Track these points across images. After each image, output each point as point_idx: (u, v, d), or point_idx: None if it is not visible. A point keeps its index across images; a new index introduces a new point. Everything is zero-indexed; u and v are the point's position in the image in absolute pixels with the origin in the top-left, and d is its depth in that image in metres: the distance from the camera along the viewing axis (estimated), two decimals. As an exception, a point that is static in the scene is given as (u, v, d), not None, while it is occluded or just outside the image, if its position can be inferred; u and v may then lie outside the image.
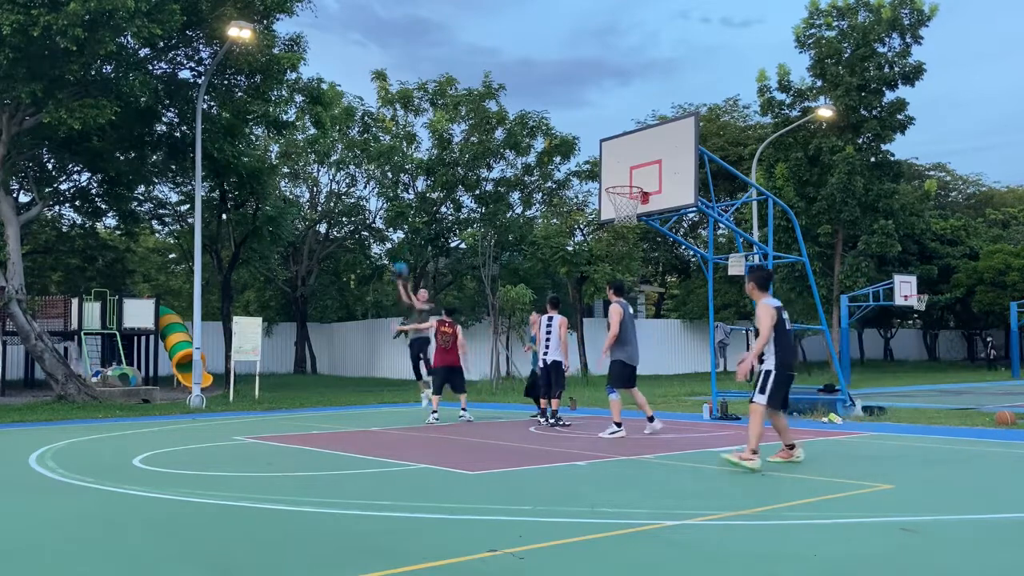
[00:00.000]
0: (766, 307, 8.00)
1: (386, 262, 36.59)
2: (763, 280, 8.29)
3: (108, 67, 18.24)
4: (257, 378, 20.74)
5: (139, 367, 25.21)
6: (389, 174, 31.92)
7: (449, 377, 13.63)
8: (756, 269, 8.52)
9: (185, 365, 23.67)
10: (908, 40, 27.89)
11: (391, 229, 34.37)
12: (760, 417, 7.87)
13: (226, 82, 20.83)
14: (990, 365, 36.77)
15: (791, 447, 8.33)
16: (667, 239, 37.58)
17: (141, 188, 27.78)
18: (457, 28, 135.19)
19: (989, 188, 51.87)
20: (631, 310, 11.33)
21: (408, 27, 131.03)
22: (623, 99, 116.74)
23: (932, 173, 47.69)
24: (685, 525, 5.57)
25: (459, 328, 13.94)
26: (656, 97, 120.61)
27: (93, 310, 24.05)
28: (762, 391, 7.90)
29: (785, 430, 8.30)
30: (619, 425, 10.83)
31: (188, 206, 30.20)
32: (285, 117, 25.43)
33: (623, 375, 10.91)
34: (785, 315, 8.07)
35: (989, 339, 39.92)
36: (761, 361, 8.01)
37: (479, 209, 31.84)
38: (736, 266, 14.28)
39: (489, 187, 31.96)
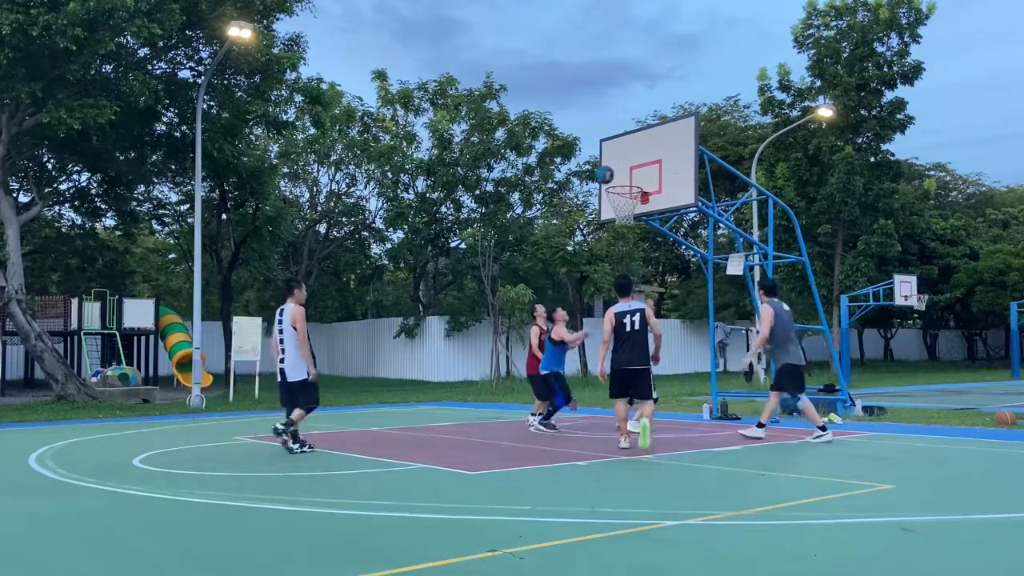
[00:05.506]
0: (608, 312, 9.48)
1: (386, 262, 36.52)
2: (618, 286, 9.53)
3: (108, 67, 18.24)
4: (257, 378, 20.72)
5: (139, 367, 25.21)
6: (389, 174, 31.91)
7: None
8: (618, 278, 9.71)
9: (185, 365, 23.67)
10: (907, 39, 27.88)
11: (391, 229, 34.37)
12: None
13: (226, 82, 20.84)
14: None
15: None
16: (667, 239, 37.53)
17: (141, 188, 27.79)
18: (481, 28, 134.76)
19: (989, 188, 51.78)
20: (785, 307, 10.76)
21: (433, 28, 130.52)
22: (630, 100, 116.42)
23: (932, 173, 47.63)
24: (685, 525, 5.57)
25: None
26: (669, 98, 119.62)
27: (93, 310, 24.05)
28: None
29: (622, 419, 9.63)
30: (760, 427, 10.61)
31: (188, 206, 30.20)
32: (285, 117, 25.44)
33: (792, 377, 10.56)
34: (632, 319, 9.32)
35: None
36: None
37: (479, 209, 31.82)
38: (735, 266, 14.27)
39: (489, 187, 31.96)
